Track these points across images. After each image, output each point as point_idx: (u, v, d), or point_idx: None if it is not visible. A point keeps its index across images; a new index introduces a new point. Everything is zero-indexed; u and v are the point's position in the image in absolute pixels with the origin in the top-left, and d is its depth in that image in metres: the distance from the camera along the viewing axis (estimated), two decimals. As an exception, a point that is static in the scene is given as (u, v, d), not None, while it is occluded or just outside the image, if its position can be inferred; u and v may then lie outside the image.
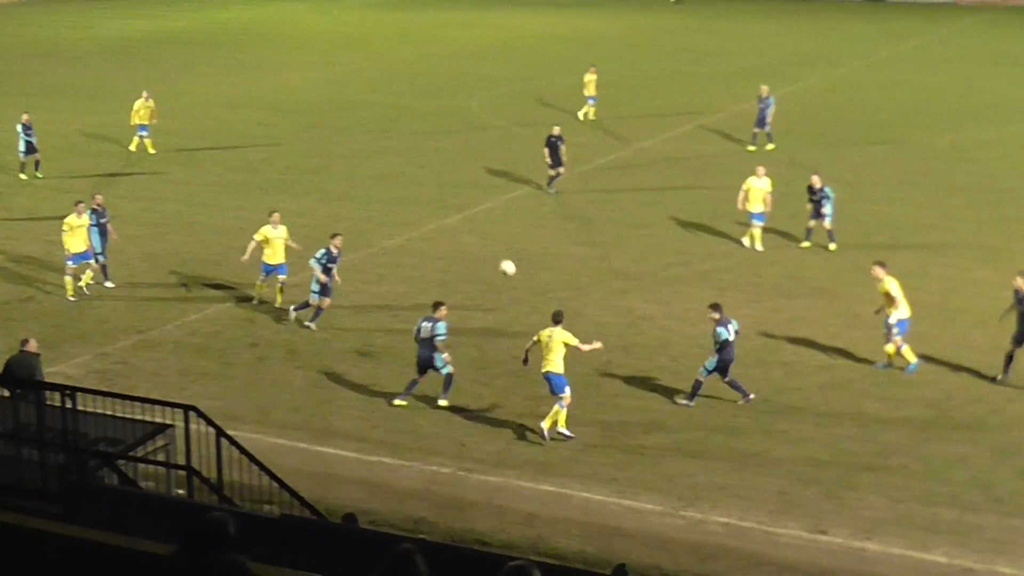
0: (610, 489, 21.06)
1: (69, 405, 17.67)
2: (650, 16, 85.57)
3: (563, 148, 39.10)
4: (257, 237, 29.51)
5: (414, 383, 24.29)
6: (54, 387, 18.48)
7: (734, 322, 24.23)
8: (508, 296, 30.00)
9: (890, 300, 25.82)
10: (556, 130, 39.57)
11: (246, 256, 29.55)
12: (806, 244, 33.76)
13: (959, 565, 18.70)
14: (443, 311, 23.97)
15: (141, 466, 18.97)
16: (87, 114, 52.38)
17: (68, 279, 30.11)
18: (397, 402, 24.21)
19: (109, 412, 18.76)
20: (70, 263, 30.05)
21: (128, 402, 18.96)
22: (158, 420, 18.76)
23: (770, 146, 44.62)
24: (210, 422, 18.11)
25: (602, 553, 18.95)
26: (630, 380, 25.41)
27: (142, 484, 18.96)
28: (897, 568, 18.72)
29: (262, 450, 19.66)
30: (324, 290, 27.90)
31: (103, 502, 17.35)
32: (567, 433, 22.85)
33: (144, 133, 45.07)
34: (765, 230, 33.91)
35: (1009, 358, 25.04)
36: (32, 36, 78.86)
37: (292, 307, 28.50)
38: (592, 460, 22.12)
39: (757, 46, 70.27)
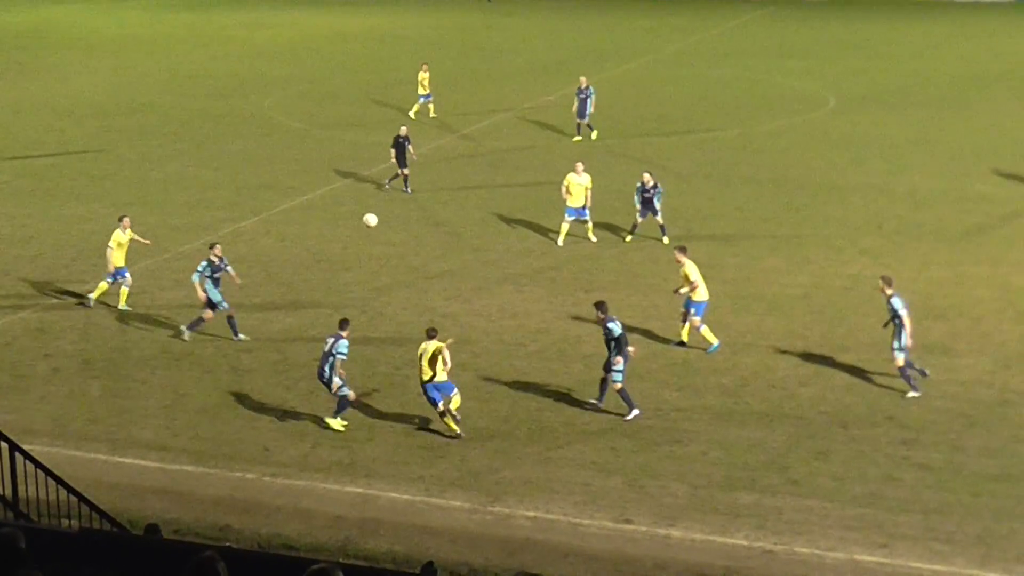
0: (417, 488, 21.09)
1: None
2: (443, 14, 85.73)
3: (410, 148, 39.05)
4: (112, 244, 29.06)
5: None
6: None
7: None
8: (308, 298, 29.79)
9: (690, 283, 26.50)
10: (403, 131, 39.47)
11: (110, 267, 29.01)
12: (629, 238, 34.18)
13: (759, 547, 19.21)
14: (347, 331, 23.50)
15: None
16: None
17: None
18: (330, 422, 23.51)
19: None
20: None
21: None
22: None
23: (594, 134, 45.58)
24: (3, 436, 17.56)
25: (411, 552, 18.97)
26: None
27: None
28: (700, 553, 19.15)
29: (59, 463, 19.13)
30: (211, 304, 27.06)
31: None
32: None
33: None
34: (580, 223, 33.97)
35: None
36: None
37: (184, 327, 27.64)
38: (398, 459, 22.12)
39: (548, 42, 70.98)
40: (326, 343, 23.32)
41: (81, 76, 61.17)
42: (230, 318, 27.25)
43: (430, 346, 22.87)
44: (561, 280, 31.24)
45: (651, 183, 33.92)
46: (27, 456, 17.73)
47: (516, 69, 61.69)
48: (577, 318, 28.34)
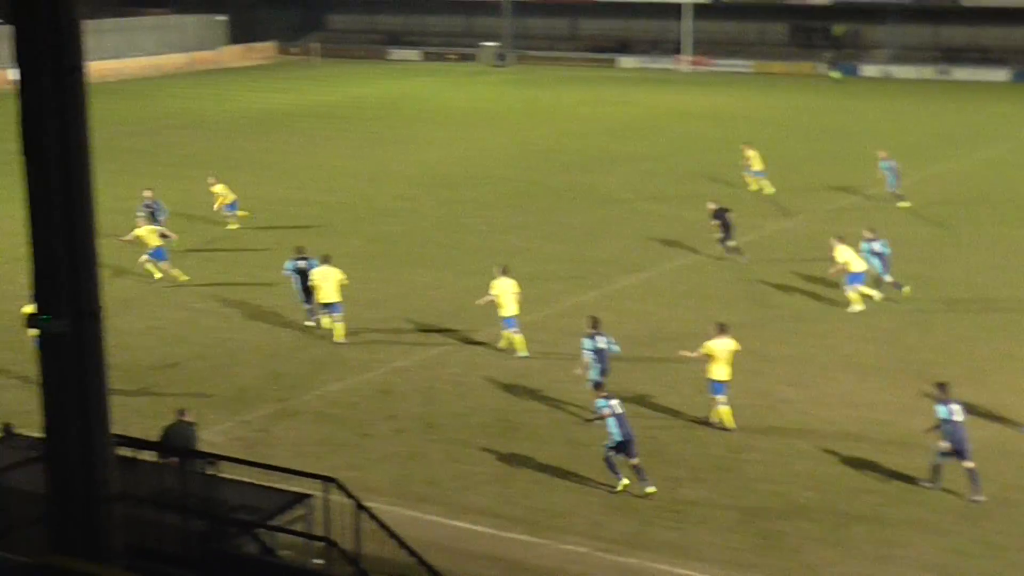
0: None
1: (212, 472, 17.90)
2: (790, 95, 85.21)
3: (728, 217, 40.33)
4: (493, 291, 31.49)
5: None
6: (200, 455, 18.74)
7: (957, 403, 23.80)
8: (641, 377, 29.81)
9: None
10: (712, 206, 40.77)
11: (481, 301, 31.72)
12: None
13: None
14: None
15: (280, 535, 19.08)
16: (231, 184, 53.38)
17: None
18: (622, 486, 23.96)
19: (250, 480, 19.01)
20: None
21: (268, 471, 19.17)
22: (298, 490, 18.92)
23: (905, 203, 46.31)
24: (349, 494, 18.19)
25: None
26: (768, 463, 25.07)
27: (280, 554, 19.07)
28: None
29: (399, 523, 19.67)
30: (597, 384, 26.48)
31: (242, 570, 17.49)
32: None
33: (234, 210, 45.65)
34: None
35: None
36: (177, 108, 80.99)
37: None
38: (731, 545, 21.79)
39: (896, 126, 69.46)
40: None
41: (433, 148, 63.46)
42: (598, 384, 27.79)
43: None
44: (907, 371, 30.29)
45: None
46: (370, 514, 18.32)
47: (861, 152, 60.56)
48: (923, 412, 27.42)
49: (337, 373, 30.42)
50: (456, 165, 58.40)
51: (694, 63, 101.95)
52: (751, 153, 51.33)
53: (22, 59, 9.91)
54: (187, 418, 22.49)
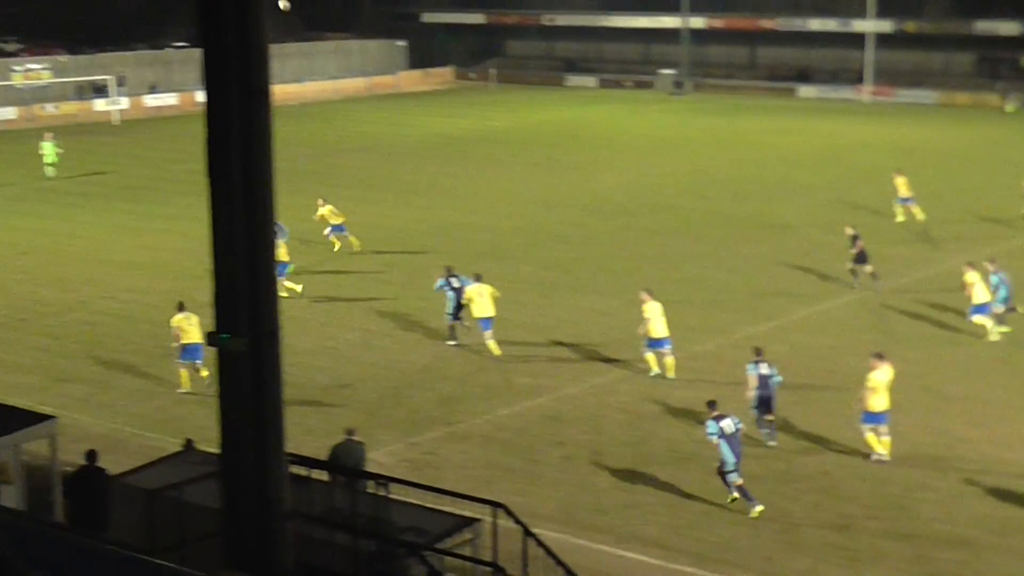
0: (924, 618, 20.23)
1: (383, 493, 18.08)
2: (974, 127, 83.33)
3: (861, 244, 40.20)
4: (646, 314, 31.92)
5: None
6: (371, 476, 18.96)
7: None
8: (815, 410, 29.34)
9: None
10: (850, 231, 40.98)
11: (641, 331, 32.00)
12: None
13: None
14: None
15: (447, 559, 19.18)
16: (405, 208, 54.19)
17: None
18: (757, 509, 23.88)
19: (419, 502, 19.16)
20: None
21: (437, 494, 19.31)
22: (465, 514, 19.00)
23: None
24: (517, 520, 18.22)
25: None
26: (945, 502, 24.46)
27: (447, 577, 19.17)
28: None
29: (566, 550, 19.64)
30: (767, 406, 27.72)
31: (409, 591, 17.61)
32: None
33: (341, 232, 45.63)
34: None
35: None
36: (355, 132, 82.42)
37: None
38: (905, 586, 21.31)
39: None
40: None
41: (607, 175, 63.48)
42: (772, 422, 27.56)
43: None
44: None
45: None
46: (538, 541, 18.32)
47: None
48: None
49: (506, 398, 30.55)
50: (630, 192, 58.31)
51: (875, 93, 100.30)
52: (900, 180, 50.46)
53: (210, 82, 10.16)
54: (356, 437, 22.81)
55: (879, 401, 26.36)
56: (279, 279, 38.58)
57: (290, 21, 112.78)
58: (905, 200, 50.46)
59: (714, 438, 23.96)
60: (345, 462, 21.38)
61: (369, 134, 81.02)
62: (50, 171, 62.59)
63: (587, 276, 42.47)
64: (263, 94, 10.05)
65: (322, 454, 22.06)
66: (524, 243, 47.51)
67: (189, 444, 21.95)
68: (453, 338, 34.68)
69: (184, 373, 30.98)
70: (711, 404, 24.64)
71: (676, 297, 39.24)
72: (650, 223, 51.31)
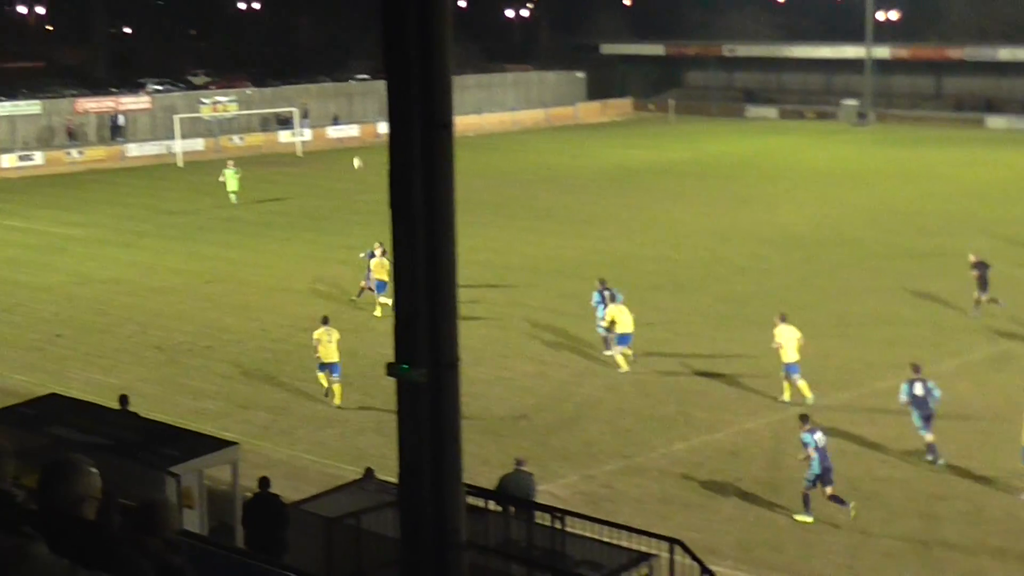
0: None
1: (558, 526, 18.12)
2: None
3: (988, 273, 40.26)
4: (777, 339, 32.68)
5: None
6: (547, 508, 19.02)
7: None
8: (1003, 450, 28.56)
9: None
10: (973, 257, 40.87)
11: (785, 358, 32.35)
12: None
13: None
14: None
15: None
16: (581, 239, 54.32)
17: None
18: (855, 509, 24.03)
19: (594, 535, 19.14)
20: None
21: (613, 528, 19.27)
22: (642, 549, 18.92)
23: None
24: (694, 556, 18.10)
25: None
26: None
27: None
28: None
29: (743, 589, 19.46)
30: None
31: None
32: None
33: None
34: None
35: None
36: (533, 163, 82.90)
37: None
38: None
39: None
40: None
41: (787, 207, 62.79)
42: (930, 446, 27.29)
43: None
44: None
45: None
46: (714, 577, 18.17)
47: None
48: None
49: (683, 432, 30.39)
50: (811, 225, 57.59)
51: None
52: None
53: (394, 115, 10.34)
54: (525, 467, 22.85)
55: None
56: (378, 296, 41.07)
57: (469, 53, 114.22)
58: None
59: (810, 449, 24.85)
60: (514, 493, 21.44)
61: (547, 165, 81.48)
62: (233, 198, 64.97)
63: (766, 310, 41.85)
64: (446, 127, 10.19)
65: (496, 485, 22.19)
66: (701, 275, 47.24)
67: (368, 472, 22.28)
68: (608, 348, 36.13)
69: (323, 378, 32.94)
70: (803, 418, 25.73)
71: (857, 332, 38.75)
72: (831, 256, 50.58)
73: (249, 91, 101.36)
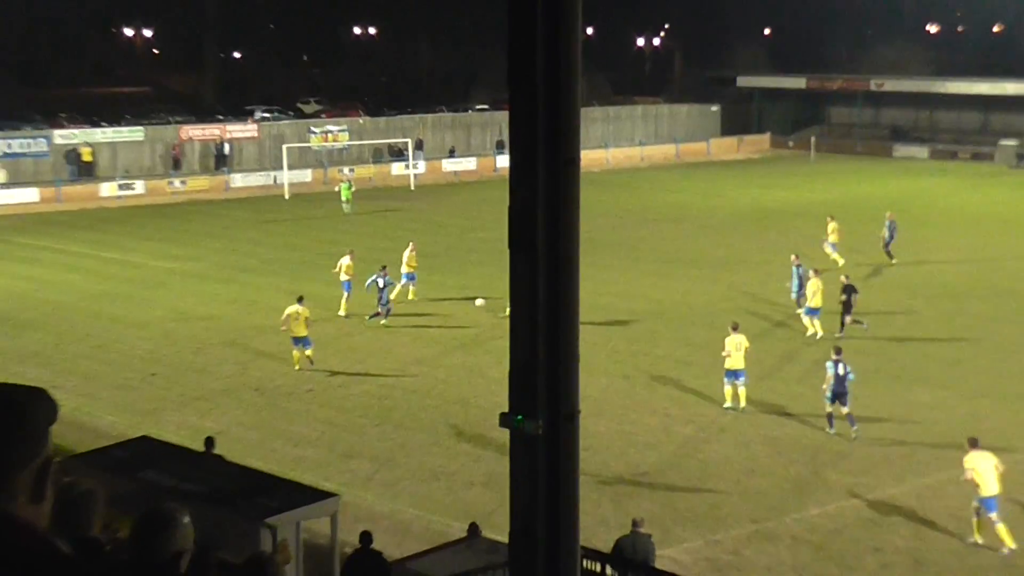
0: None
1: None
2: None
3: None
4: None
5: None
6: (667, 575, 18.83)
7: None
8: None
9: None
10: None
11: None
12: None
13: None
14: None
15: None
16: (710, 283, 53.98)
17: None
18: None
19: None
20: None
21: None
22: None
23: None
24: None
25: None
26: None
27: None
28: None
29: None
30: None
31: None
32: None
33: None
34: None
35: None
36: (661, 201, 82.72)
37: None
38: None
39: None
40: None
41: (937, 253, 61.94)
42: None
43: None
44: None
45: None
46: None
47: None
48: None
49: (819, 496, 29.96)
50: (963, 274, 56.73)
51: None
52: None
53: (517, 150, 10.29)
54: (643, 529, 22.64)
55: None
56: (409, 285, 48.27)
57: (596, 84, 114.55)
58: None
59: (829, 374, 33.75)
60: (632, 557, 21.27)
61: (676, 204, 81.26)
62: (346, 207, 72.42)
63: (912, 364, 41.41)
64: (572, 163, 10.13)
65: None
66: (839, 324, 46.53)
67: (474, 529, 22.24)
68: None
69: (296, 354, 39.90)
70: (837, 350, 34.90)
71: (1013, 392, 37.96)
72: (985, 308, 49.70)
73: (361, 120, 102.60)
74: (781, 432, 34.19)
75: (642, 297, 51.01)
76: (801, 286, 46.70)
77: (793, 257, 48.97)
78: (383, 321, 46.22)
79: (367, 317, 46.36)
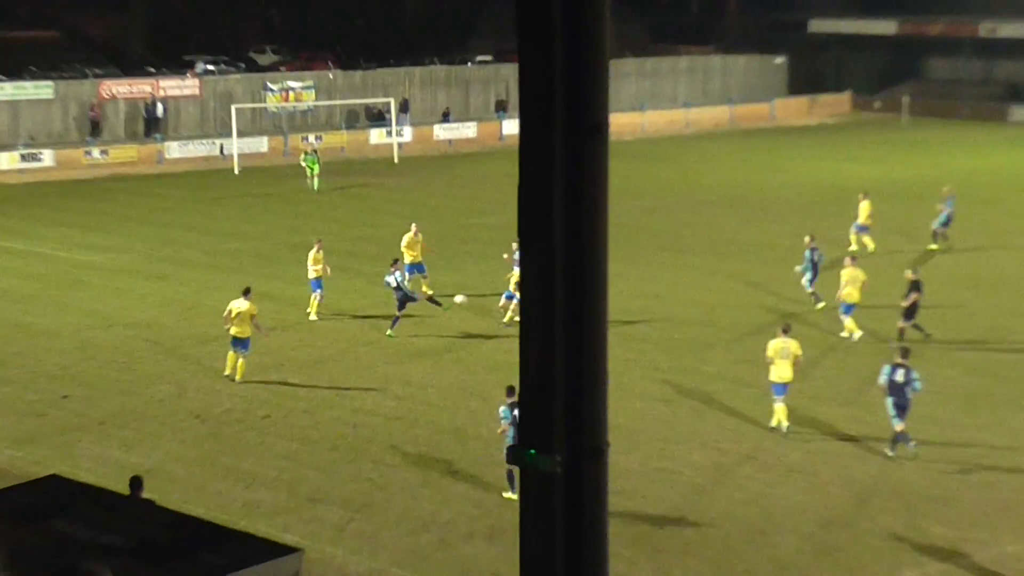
0: None
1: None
2: None
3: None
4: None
5: None
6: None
7: None
8: None
9: None
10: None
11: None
12: None
13: None
14: None
15: None
16: (776, 283, 53.97)
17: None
18: None
19: None
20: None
21: None
22: None
23: None
24: None
25: None
26: None
27: None
28: None
29: None
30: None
31: None
32: None
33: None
34: None
35: None
36: (715, 179, 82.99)
37: None
38: None
39: None
40: None
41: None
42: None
43: None
44: None
45: None
46: None
47: None
48: None
49: (913, 556, 29.95)
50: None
51: None
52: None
53: (528, 110, 10.25)
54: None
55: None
56: (420, 277, 49.58)
57: (630, 30, 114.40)
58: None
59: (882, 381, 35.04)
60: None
61: (731, 182, 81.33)
62: (313, 184, 75.43)
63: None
64: (598, 130, 10.10)
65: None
66: (944, 336, 46.49)
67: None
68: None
69: (231, 357, 41.31)
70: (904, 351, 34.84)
71: None
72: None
73: (331, 75, 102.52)
74: (865, 472, 34.22)
75: (686, 300, 51.05)
76: (815, 273, 50.09)
77: (807, 239, 51.11)
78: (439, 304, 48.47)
79: (388, 333, 46.85)
